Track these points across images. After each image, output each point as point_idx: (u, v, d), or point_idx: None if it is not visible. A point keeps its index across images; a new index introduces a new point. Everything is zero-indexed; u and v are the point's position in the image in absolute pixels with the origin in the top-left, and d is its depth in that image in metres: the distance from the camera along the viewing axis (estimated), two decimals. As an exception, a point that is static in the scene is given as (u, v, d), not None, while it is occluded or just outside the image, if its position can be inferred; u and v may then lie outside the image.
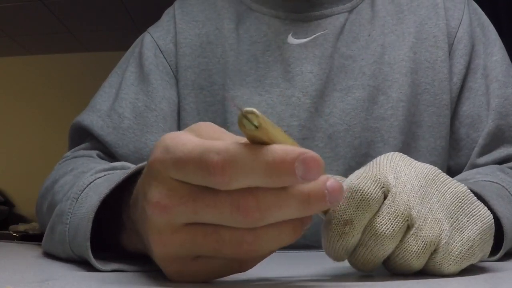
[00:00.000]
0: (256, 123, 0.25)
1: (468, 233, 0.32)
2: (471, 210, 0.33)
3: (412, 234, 0.31)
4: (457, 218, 0.32)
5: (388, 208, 0.31)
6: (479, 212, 0.33)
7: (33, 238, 3.03)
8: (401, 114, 0.64)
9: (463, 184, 0.34)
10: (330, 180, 0.26)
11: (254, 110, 0.25)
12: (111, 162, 0.60)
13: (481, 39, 0.68)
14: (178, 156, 0.27)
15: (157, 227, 0.28)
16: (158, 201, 0.27)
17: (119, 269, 0.37)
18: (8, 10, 3.01)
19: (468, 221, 0.32)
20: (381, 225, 0.31)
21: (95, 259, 0.37)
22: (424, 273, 0.33)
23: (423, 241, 0.31)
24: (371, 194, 0.31)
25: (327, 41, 0.66)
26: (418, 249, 0.31)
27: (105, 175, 0.45)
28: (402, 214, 0.31)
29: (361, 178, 0.32)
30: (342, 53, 0.66)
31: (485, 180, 0.52)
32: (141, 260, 0.38)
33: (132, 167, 0.46)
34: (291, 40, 0.67)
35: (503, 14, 2.02)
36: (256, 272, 0.40)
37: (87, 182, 0.43)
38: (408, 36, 0.67)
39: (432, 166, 0.35)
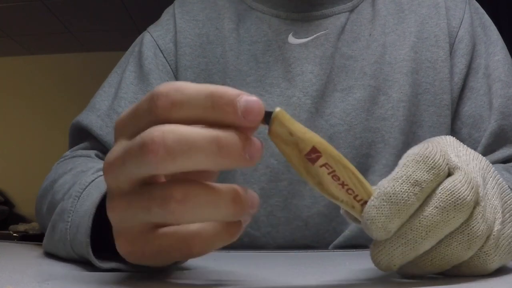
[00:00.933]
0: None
1: (508, 230, 0.32)
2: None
3: (479, 213, 0.30)
4: (503, 211, 0.32)
5: (464, 178, 0.30)
6: None
7: (33, 238, 3.03)
8: (401, 114, 0.64)
9: (505, 182, 0.34)
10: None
11: (275, 110, 0.27)
12: None
13: (482, 38, 0.68)
14: (129, 108, 0.28)
15: (109, 189, 0.29)
16: (106, 161, 0.28)
17: (117, 267, 0.37)
18: (8, 10, 3.01)
19: (509, 217, 0.32)
20: (460, 192, 0.29)
21: (95, 257, 0.36)
22: (449, 272, 0.32)
23: (486, 222, 0.30)
24: (441, 164, 0.30)
25: (328, 41, 0.66)
26: (483, 229, 0.30)
27: None
28: (475, 187, 0.30)
29: (428, 147, 0.31)
30: (343, 53, 0.66)
31: None
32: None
33: None
34: (292, 40, 0.67)
35: (503, 14, 2.02)
36: (256, 272, 0.40)
37: (89, 180, 0.43)
38: (409, 35, 0.67)
39: (483, 156, 0.34)
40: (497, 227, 0.31)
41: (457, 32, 0.67)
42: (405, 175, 0.29)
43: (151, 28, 0.74)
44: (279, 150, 0.28)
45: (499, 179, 0.33)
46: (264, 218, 0.63)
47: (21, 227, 3.24)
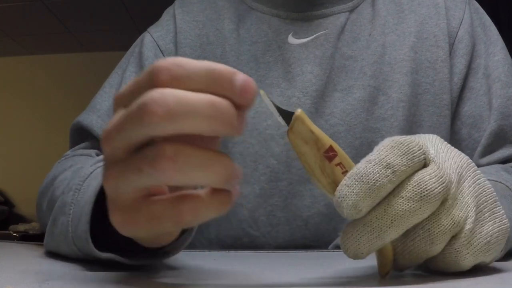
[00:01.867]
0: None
1: (488, 228, 0.32)
2: (493, 208, 0.33)
3: (444, 208, 0.31)
4: (481, 211, 0.32)
5: (435, 172, 0.31)
6: (499, 213, 0.33)
7: (33, 238, 3.03)
8: (401, 115, 0.64)
9: (488, 181, 0.34)
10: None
11: (297, 111, 0.30)
12: None
13: (482, 38, 0.68)
14: (130, 82, 0.28)
15: (106, 159, 0.29)
16: (104, 130, 0.29)
17: (114, 258, 0.37)
18: (8, 10, 3.01)
19: (489, 217, 0.32)
20: (428, 184, 0.30)
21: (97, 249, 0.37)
22: (430, 269, 0.32)
23: (452, 219, 0.30)
24: (415, 151, 0.31)
25: (327, 41, 0.66)
26: (446, 225, 0.30)
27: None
28: (446, 182, 0.30)
29: (405, 137, 0.31)
30: (343, 53, 0.66)
31: (489, 179, 0.52)
32: (140, 254, 0.38)
33: None
34: (292, 40, 0.67)
35: (503, 14, 2.02)
36: (256, 272, 0.40)
37: (88, 172, 0.43)
38: (408, 35, 0.67)
39: (466, 155, 0.35)
40: (469, 225, 0.31)
41: (457, 32, 0.67)
42: (378, 157, 0.30)
43: (152, 29, 0.74)
44: (296, 149, 0.30)
45: (479, 178, 0.33)
46: (264, 218, 0.63)
47: (21, 227, 3.24)
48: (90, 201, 0.38)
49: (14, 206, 3.59)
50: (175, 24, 0.71)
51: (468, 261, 0.31)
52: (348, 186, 0.29)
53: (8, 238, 2.94)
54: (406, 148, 0.30)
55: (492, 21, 0.71)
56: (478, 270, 0.33)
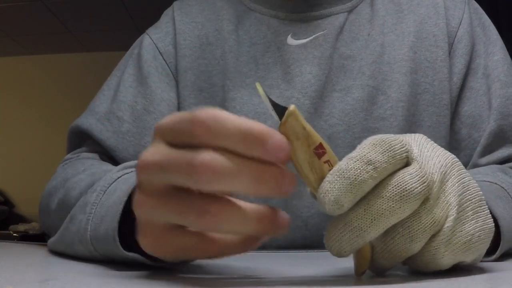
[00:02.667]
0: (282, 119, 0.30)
1: (469, 227, 0.32)
2: (477, 207, 0.33)
3: (425, 207, 0.31)
4: (464, 209, 0.32)
5: (417, 171, 0.31)
6: (484, 212, 0.33)
7: (33, 238, 3.03)
8: (400, 114, 0.64)
9: (474, 180, 0.34)
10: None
11: (290, 107, 0.30)
12: (114, 165, 0.60)
13: (481, 38, 0.68)
14: (176, 120, 0.30)
15: (140, 185, 0.31)
16: (143, 159, 0.30)
17: (138, 258, 0.37)
18: (8, 10, 3.01)
19: (472, 216, 0.32)
20: (408, 184, 0.30)
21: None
22: (411, 267, 0.32)
23: (432, 218, 0.30)
24: (397, 149, 0.31)
25: (326, 42, 0.66)
26: (426, 223, 0.30)
27: (132, 170, 0.46)
28: (428, 182, 0.30)
29: (388, 135, 0.32)
30: (342, 53, 0.66)
31: (484, 181, 0.52)
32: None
33: None
34: (291, 41, 0.67)
35: (503, 14, 2.02)
36: (257, 271, 0.40)
37: (115, 177, 0.44)
38: (408, 35, 0.67)
39: (452, 154, 0.35)
40: (448, 223, 0.31)
41: (456, 32, 0.67)
42: (359, 154, 0.30)
43: (150, 31, 0.74)
44: None
45: (464, 177, 0.33)
46: (264, 218, 0.63)
47: (21, 227, 3.24)
48: (120, 201, 0.38)
49: (14, 206, 3.59)
50: (174, 26, 0.71)
51: (446, 260, 0.31)
52: (330, 182, 0.30)
53: (8, 238, 2.94)
54: (388, 146, 0.30)
55: (492, 21, 0.71)
56: (465, 270, 0.33)
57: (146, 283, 0.32)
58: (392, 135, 0.32)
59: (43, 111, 3.71)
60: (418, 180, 0.30)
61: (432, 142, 0.35)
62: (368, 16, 0.68)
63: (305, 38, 0.67)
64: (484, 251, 0.33)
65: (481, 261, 0.38)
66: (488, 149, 0.64)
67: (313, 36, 0.67)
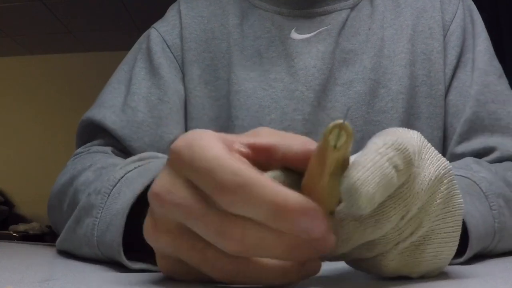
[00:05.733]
0: (337, 142, 0.25)
1: (431, 250, 0.31)
2: (451, 231, 0.31)
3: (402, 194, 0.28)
4: (435, 230, 0.31)
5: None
6: (455, 238, 0.31)
7: (33, 238, 3.03)
8: (400, 107, 0.65)
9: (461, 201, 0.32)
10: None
11: (345, 125, 0.25)
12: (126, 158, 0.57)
13: (471, 33, 0.69)
14: (196, 158, 0.27)
15: (154, 217, 0.29)
16: (158, 193, 0.28)
17: (147, 268, 0.37)
18: (8, 10, 3.01)
19: (440, 239, 0.31)
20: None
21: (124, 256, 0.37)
22: (355, 266, 0.32)
23: (406, 206, 0.28)
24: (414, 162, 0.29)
25: (330, 36, 0.67)
26: (399, 209, 0.28)
27: (135, 167, 0.44)
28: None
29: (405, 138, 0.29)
30: (344, 47, 0.67)
31: (456, 175, 0.50)
32: None
33: (161, 157, 0.46)
34: (295, 35, 0.68)
35: (503, 14, 2.03)
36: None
37: (118, 176, 0.43)
38: (405, 28, 0.68)
39: (447, 163, 0.31)
40: (413, 237, 0.30)
41: (449, 26, 0.68)
42: (386, 155, 0.27)
43: (157, 25, 0.74)
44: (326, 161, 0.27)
45: (453, 196, 0.31)
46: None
47: (21, 227, 3.24)
48: (124, 213, 0.38)
49: (14, 206, 3.59)
50: (180, 20, 0.72)
51: (389, 269, 0.30)
52: (370, 171, 0.26)
53: (8, 238, 2.94)
54: (409, 156, 0.28)
55: (492, 21, 0.72)
56: (435, 274, 0.32)
57: (146, 283, 0.32)
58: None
59: (43, 111, 3.71)
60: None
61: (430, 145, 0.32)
62: (369, 12, 0.69)
63: (309, 33, 0.68)
64: (452, 254, 0.32)
65: (450, 264, 0.36)
66: (464, 137, 0.63)
67: (317, 31, 0.68)
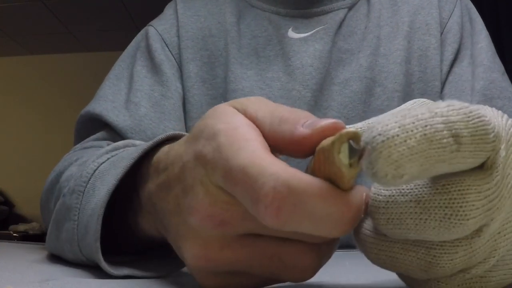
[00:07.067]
0: (351, 160, 0.19)
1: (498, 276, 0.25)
2: None
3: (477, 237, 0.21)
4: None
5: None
6: None
7: (33, 238, 3.03)
8: (396, 105, 0.65)
9: None
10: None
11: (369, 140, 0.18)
12: None
13: (469, 31, 0.69)
14: (230, 167, 0.22)
15: (204, 240, 0.25)
16: (212, 215, 0.24)
17: (131, 274, 0.34)
18: (8, 10, 3.01)
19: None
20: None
21: (107, 262, 0.33)
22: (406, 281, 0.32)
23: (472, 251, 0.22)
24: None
25: (327, 35, 0.67)
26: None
27: (108, 158, 0.39)
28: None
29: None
30: (340, 46, 0.67)
31: None
32: (155, 264, 0.36)
33: (138, 144, 0.42)
34: (292, 34, 0.68)
35: (503, 14, 2.03)
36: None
37: (91, 171, 0.38)
38: (402, 25, 0.68)
39: None
40: (486, 265, 0.22)
41: (446, 23, 0.68)
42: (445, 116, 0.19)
43: (155, 23, 0.74)
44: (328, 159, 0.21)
45: None
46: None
47: (21, 227, 3.25)
48: (99, 214, 0.33)
49: (14, 206, 3.59)
50: (177, 18, 0.72)
51: None
52: (403, 129, 0.18)
53: (8, 238, 2.94)
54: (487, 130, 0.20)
55: (492, 21, 0.72)
56: None
57: (146, 283, 0.32)
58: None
59: (43, 111, 3.71)
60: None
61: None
62: (366, 11, 0.70)
63: (306, 32, 0.68)
64: None
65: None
66: None
67: (314, 30, 0.68)
